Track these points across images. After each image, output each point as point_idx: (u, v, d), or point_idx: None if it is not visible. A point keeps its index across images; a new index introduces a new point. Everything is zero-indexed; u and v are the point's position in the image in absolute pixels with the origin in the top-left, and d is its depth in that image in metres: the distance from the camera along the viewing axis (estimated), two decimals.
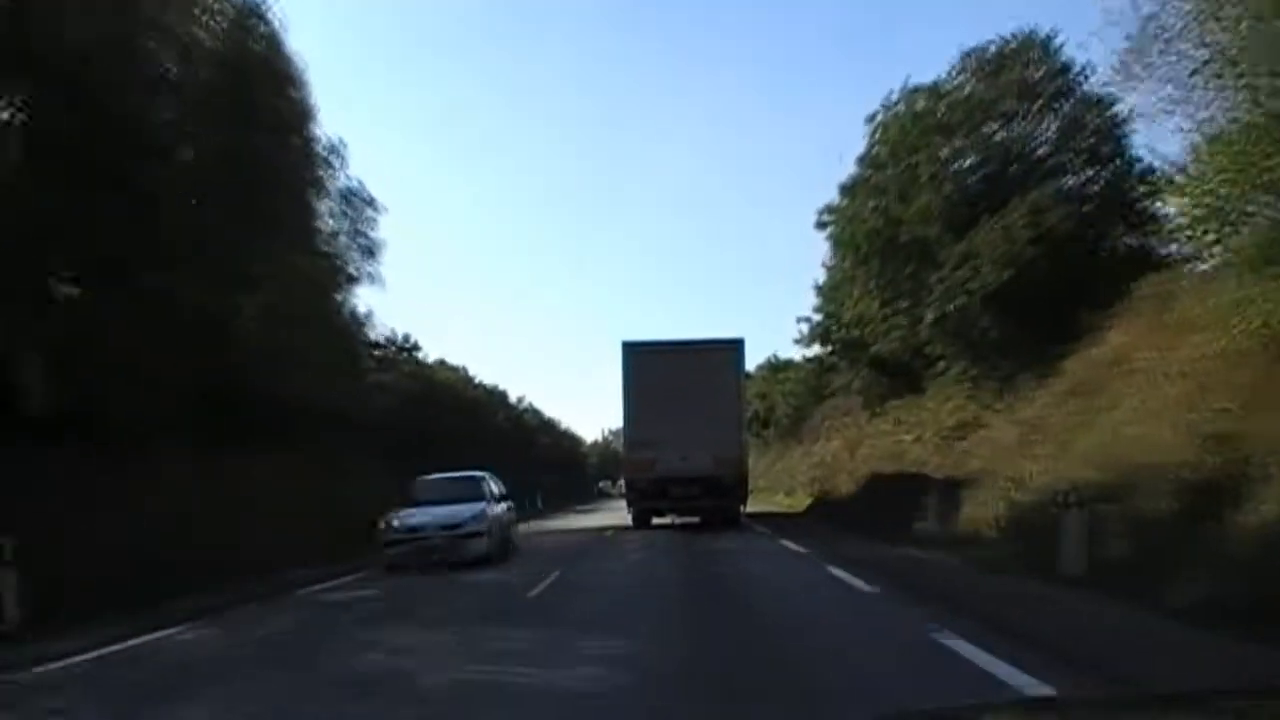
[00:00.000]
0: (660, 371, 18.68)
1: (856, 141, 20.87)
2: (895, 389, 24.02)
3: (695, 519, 19.87)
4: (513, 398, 56.57)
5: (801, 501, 30.15)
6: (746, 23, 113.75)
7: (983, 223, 15.66)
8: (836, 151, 60.76)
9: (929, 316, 16.07)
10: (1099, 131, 17.37)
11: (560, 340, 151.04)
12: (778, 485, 41.68)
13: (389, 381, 31.54)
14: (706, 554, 13.55)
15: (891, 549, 12.73)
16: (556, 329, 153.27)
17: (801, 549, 13.35)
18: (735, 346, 19.84)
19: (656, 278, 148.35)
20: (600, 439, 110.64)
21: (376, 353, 32.79)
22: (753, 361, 57.06)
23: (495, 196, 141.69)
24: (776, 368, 55.98)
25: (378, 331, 28.08)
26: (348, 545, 15.30)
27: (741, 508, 19.70)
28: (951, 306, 15.56)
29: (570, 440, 71.02)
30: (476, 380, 50.96)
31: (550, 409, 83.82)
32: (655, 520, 20.25)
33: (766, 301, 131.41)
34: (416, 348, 37.48)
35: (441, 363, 48.62)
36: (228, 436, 16.36)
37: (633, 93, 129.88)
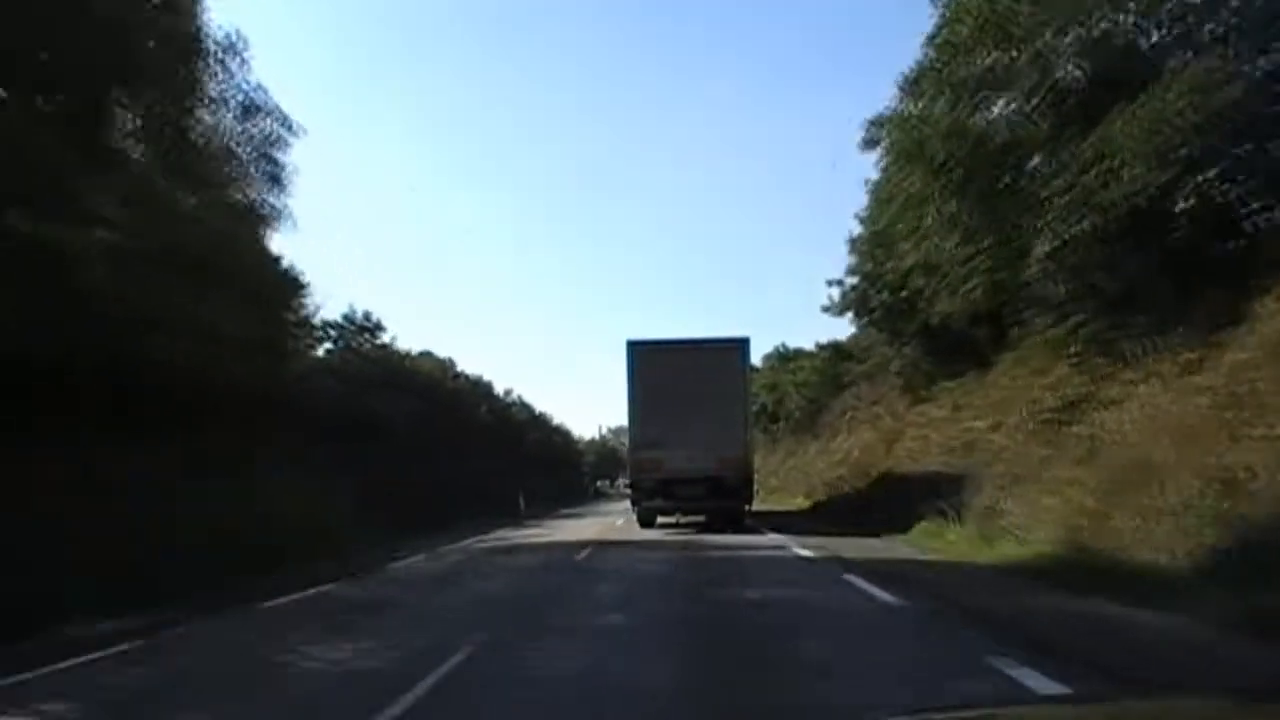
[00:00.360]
0: (665, 370, 18.36)
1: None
2: (950, 367, 19.32)
3: (701, 517, 19.48)
4: (500, 390, 51.94)
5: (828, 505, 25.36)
6: (746, 25, 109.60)
7: (1116, 113, 10.88)
8: (836, 146, 56.10)
9: (1041, 247, 11.21)
10: None
11: (560, 337, 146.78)
12: (792, 485, 37.05)
13: (338, 364, 26.83)
14: (733, 616, 7.65)
15: (1039, 595, 7.84)
16: (556, 326, 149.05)
17: (895, 598, 7.96)
18: (741, 345, 19.52)
19: (658, 275, 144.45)
20: (598, 436, 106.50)
21: (319, 327, 28.15)
22: (759, 351, 52.84)
23: (496, 199, 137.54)
24: (785, 357, 51.43)
25: (320, 300, 23.58)
26: (198, 576, 10.53)
27: (746, 508, 19.06)
28: (1076, 229, 10.75)
29: (563, 437, 66.13)
30: (459, 371, 46.39)
31: (545, 404, 79.09)
32: (660, 519, 19.81)
33: (762, 298, 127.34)
34: (380, 327, 32.66)
35: (426, 354, 44.12)
36: (54, 417, 11.79)
37: (631, 88, 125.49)
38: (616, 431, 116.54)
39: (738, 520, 18.32)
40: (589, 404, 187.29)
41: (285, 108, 15.56)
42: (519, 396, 55.36)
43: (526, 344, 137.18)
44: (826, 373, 39.74)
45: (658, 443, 18.14)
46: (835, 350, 41.43)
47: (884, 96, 13.59)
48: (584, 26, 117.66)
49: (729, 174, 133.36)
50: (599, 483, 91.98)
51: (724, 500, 18.13)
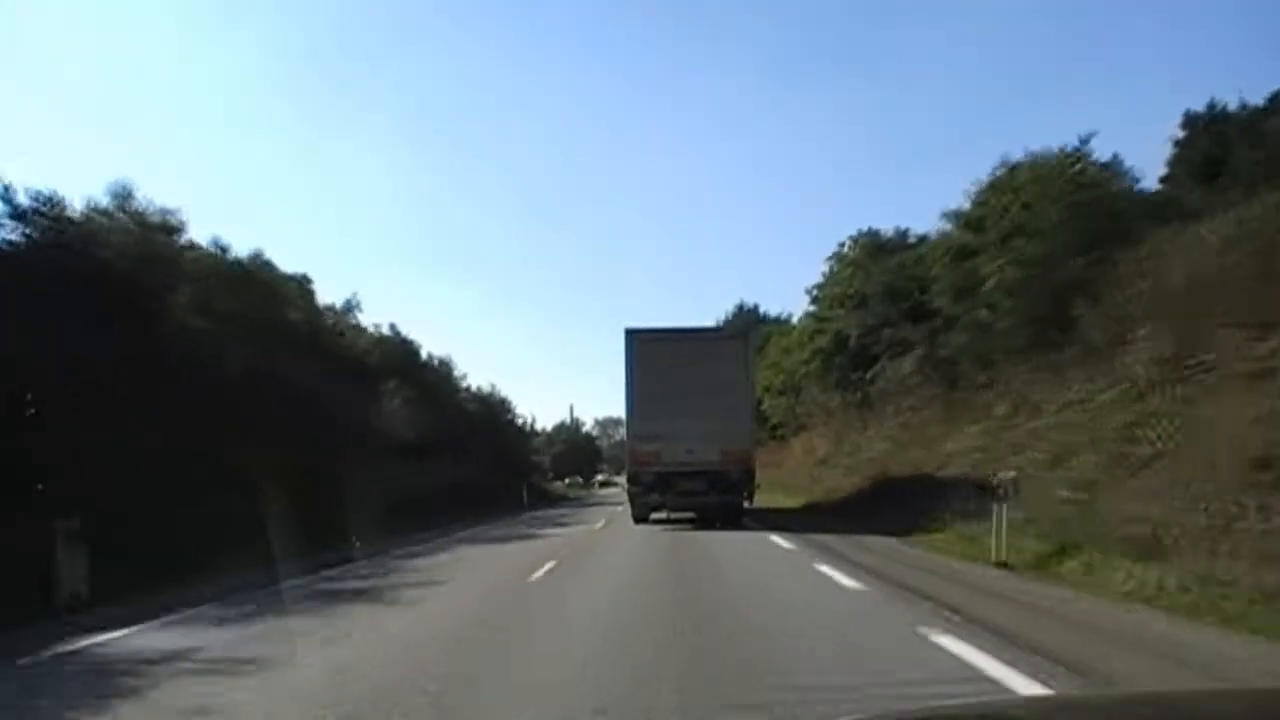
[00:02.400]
0: (666, 360, 17.63)
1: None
2: None
3: (690, 514, 18.48)
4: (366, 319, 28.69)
5: None
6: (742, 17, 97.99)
7: None
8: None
9: None
10: None
11: (534, 325, 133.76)
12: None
13: None
14: None
15: None
16: (534, 313, 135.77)
17: None
18: (743, 335, 20.37)
19: (647, 264, 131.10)
20: (569, 421, 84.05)
21: None
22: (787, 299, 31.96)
23: (478, 185, 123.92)
24: (883, 247, 28.22)
25: None
26: None
27: (746, 504, 18.03)
28: None
29: (487, 406, 41.97)
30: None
31: (492, 377, 54.51)
32: (653, 515, 18.67)
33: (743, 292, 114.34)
34: None
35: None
36: None
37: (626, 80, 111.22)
38: (604, 423, 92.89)
39: (737, 516, 17.41)
40: (557, 389, 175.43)
41: None
42: (413, 340, 31.95)
43: (498, 334, 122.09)
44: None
45: (657, 435, 17.49)
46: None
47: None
48: (578, 12, 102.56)
49: (702, 159, 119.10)
50: (566, 480, 68.37)
51: (725, 495, 17.45)
